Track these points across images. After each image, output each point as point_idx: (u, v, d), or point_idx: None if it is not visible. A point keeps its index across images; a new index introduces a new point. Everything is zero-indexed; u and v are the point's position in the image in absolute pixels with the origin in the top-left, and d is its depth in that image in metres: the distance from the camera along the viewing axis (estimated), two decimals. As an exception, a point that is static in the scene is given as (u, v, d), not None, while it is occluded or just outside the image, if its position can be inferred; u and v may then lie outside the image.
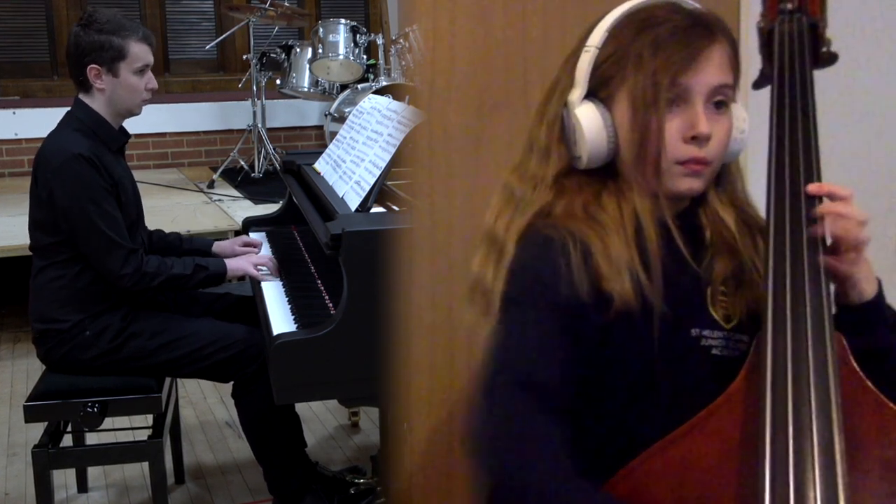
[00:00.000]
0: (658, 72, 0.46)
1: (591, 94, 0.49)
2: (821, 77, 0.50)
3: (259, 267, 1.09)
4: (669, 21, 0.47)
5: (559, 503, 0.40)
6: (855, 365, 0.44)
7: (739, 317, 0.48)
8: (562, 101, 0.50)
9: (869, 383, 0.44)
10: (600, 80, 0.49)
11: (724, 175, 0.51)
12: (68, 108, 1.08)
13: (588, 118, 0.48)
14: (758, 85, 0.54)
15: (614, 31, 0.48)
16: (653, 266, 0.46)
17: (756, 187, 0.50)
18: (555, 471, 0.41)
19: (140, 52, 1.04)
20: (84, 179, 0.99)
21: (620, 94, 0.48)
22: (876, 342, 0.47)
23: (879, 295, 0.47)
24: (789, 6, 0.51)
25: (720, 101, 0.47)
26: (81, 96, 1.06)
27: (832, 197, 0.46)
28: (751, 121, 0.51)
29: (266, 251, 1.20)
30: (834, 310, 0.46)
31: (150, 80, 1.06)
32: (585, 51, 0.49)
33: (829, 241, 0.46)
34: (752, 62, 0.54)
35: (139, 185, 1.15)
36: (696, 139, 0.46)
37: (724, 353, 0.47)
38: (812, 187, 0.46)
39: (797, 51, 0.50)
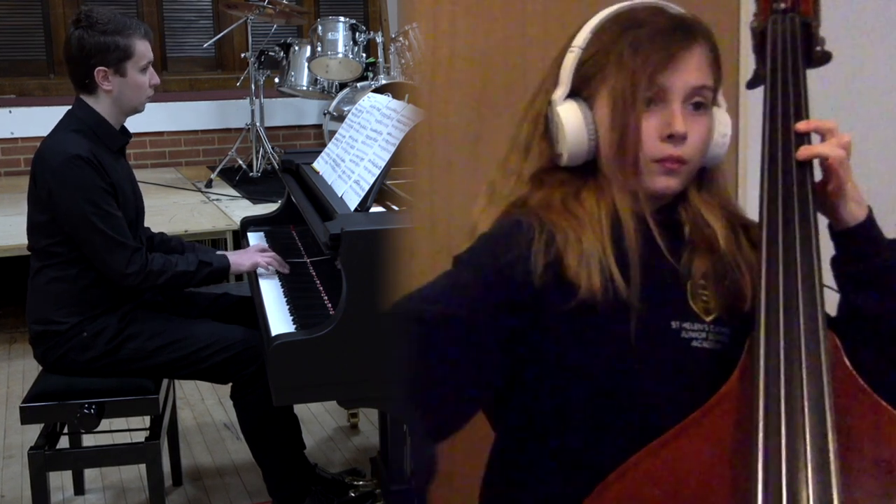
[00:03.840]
0: (637, 71, 0.47)
1: (574, 94, 0.50)
2: (814, 76, 0.51)
3: (261, 265, 1.09)
4: (650, 23, 0.48)
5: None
6: (848, 364, 0.44)
7: (719, 311, 0.49)
8: (546, 99, 0.51)
9: (862, 382, 0.44)
10: (583, 80, 0.50)
11: (708, 178, 0.52)
12: (65, 107, 1.08)
13: (569, 116, 0.49)
14: (752, 85, 0.54)
15: (598, 32, 0.49)
16: (631, 261, 0.47)
17: (756, 191, 0.50)
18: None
19: (144, 50, 1.04)
20: (83, 181, 0.99)
21: (601, 93, 0.49)
22: (873, 264, 0.47)
23: (870, 218, 0.48)
24: (782, 6, 0.51)
25: (699, 103, 0.48)
26: (83, 97, 1.05)
27: (818, 131, 0.47)
28: (748, 125, 0.52)
29: None
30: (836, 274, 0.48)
31: (153, 76, 1.06)
32: (570, 51, 0.50)
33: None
34: (751, 64, 0.55)
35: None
36: (672, 137, 0.47)
37: (704, 346, 0.48)
38: (800, 125, 0.47)
39: (790, 50, 0.50)
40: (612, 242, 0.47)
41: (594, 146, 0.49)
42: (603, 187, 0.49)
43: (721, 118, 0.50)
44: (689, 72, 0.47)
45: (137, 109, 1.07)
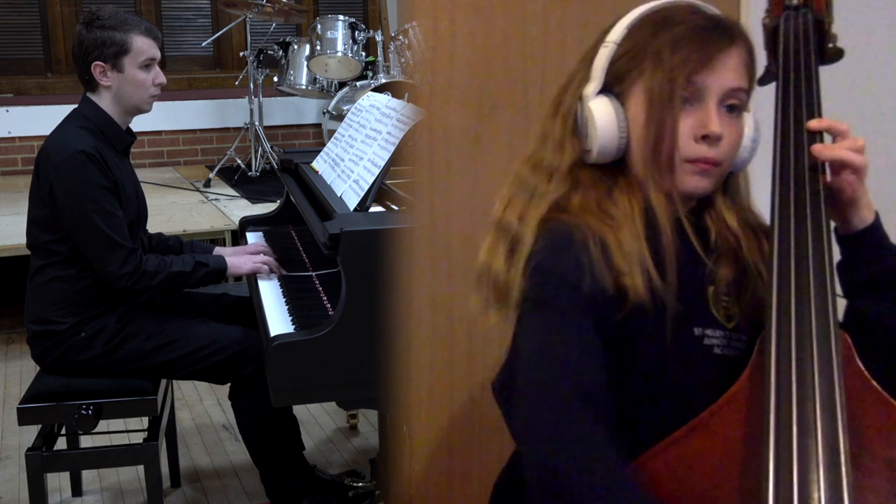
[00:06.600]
0: (675, 69, 0.46)
1: (605, 89, 0.50)
2: (826, 73, 0.50)
3: (262, 272, 1.08)
4: (689, 21, 0.47)
5: None
6: (860, 364, 0.44)
7: (740, 318, 0.49)
8: (577, 94, 0.50)
9: (874, 382, 0.44)
10: (616, 76, 0.49)
11: (731, 184, 0.52)
12: (63, 106, 1.09)
13: (601, 111, 0.49)
14: (763, 81, 0.53)
15: (633, 29, 0.49)
16: (668, 262, 0.47)
17: (760, 190, 0.50)
18: (615, 479, 0.41)
19: (144, 46, 1.02)
20: (85, 177, 0.98)
21: (635, 90, 0.48)
22: (879, 268, 0.48)
23: (878, 221, 0.49)
24: (795, 2, 0.51)
25: (733, 105, 0.48)
26: (89, 94, 1.04)
27: (831, 131, 0.47)
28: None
29: None
30: (836, 268, 0.48)
31: (158, 75, 1.04)
32: (604, 46, 0.50)
33: (829, 176, 0.47)
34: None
35: (136, 184, 1.14)
36: (707, 138, 0.47)
37: (725, 353, 0.48)
38: (812, 123, 0.47)
39: (803, 47, 0.50)
40: (648, 243, 0.47)
41: (624, 143, 0.49)
42: (633, 186, 0.49)
43: (750, 123, 0.50)
44: (727, 73, 0.47)
45: (141, 109, 1.05)
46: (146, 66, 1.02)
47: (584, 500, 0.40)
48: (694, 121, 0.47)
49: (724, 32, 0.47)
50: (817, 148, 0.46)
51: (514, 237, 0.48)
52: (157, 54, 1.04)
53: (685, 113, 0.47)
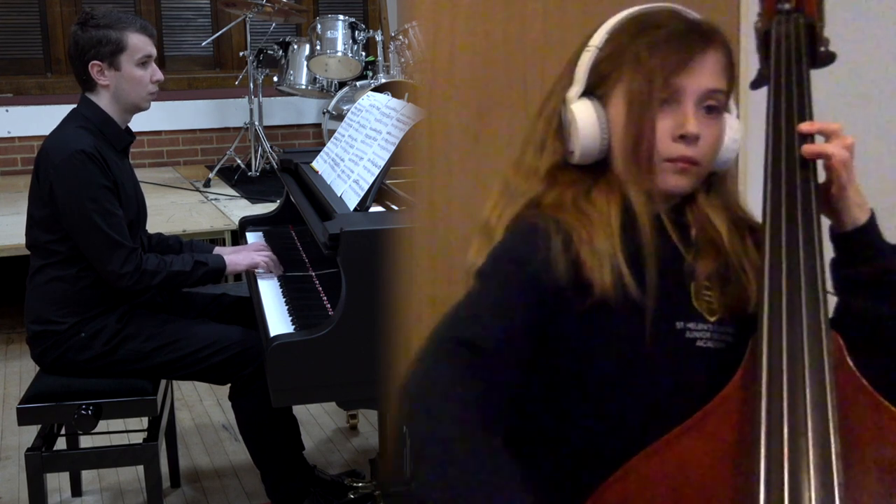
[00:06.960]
0: (653, 72, 0.48)
1: (588, 93, 0.51)
2: (818, 76, 0.51)
3: (259, 265, 1.08)
4: (668, 26, 0.49)
5: (462, 461, 0.40)
6: (851, 365, 0.44)
7: (723, 312, 0.49)
8: (560, 97, 0.52)
9: (865, 383, 0.44)
10: (598, 79, 0.50)
11: (717, 182, 0.52)
12: (62, 106, 1.09)
13: (583, 113, 0.50)
14: (755, 85, 0.54)
15: (614, 33, 0.50)
16: (647, 261, 0.47)
17: (757, 191, 0.51)
18: (468, 430, 0.41)
19: (140, 43, 1.02)
20: (85, 177, 0.98)
21: (616, 92, 0.50)
22: (873, 268, 0.48)
23: (872, 221, 0.49)
24: (787, 6, 0.51)
25: (711, 106, 0.49)
26: (87, 94, 1.04)
27: (822, 133, 0.48)
28: (749, 123, 0.52)
29: None
30: (832, 272, 0.48)
31: (156, 72, 1.04)
32: (586, 50, 0.51)
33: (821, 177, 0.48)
34: (751, 63, 0.55)
35: (136, 184, 1.14)
36: (685, 138, 0.48)
37: (709, 345, 0.49)
38: (803, 126, 0.48)
39: (794, 50, 0.50)
40: (622, 241, 0.48)
41: (606, 145, 0.50)
42: (613, 186, 0.50)
43: (732, 123, 0.51)
44: (704, 75, 0.48)
45: (140, 107, 1.05)
46: (143, 63, 1.03)
47: (429, 442, 0.40)
48: (672, 121, 0.48)
49: (702, 35, 0.48)
50: (804, 148, 0.47)
51: (490, 235, 0.50)
52: (154, 51, 1.04)
53: (664, 114, 0.48)
